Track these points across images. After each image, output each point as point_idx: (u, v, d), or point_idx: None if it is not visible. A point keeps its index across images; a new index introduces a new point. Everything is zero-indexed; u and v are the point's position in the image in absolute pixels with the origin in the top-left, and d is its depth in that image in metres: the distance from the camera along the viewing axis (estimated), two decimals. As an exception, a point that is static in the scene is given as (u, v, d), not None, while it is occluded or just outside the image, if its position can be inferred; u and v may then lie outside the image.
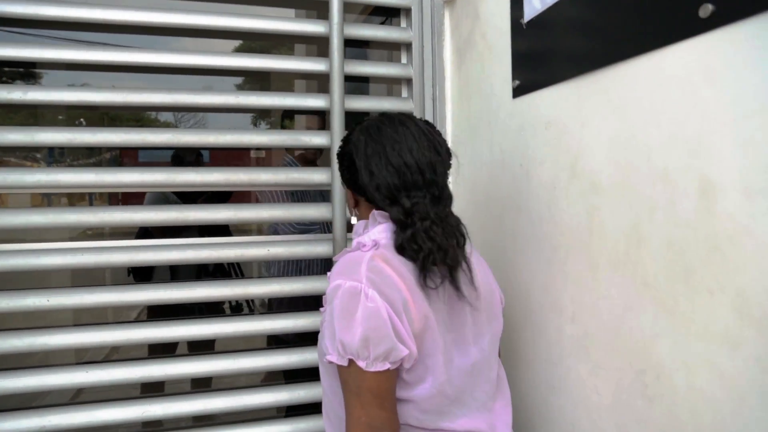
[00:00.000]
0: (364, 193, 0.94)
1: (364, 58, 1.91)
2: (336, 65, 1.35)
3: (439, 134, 0.95)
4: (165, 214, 1.32)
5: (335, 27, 1.35)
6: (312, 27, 1.42)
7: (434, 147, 0.91)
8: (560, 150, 1.04)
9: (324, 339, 0.86)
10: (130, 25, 1.32)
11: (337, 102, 1.36)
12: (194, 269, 2.57)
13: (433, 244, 0.84)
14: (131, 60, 1.30)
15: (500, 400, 0.99)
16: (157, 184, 1.31)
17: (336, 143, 1.34)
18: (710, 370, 0.72)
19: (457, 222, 0.90)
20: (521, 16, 1.15)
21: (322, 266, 2.07)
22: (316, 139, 1.43)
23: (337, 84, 1.36)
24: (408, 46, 1.55)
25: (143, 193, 2.56)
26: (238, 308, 2.84)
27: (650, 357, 0.83)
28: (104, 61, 1.29)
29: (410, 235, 0.85)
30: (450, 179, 1.12)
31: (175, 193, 2.41)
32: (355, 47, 1.76)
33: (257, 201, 2.26)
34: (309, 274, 2.09)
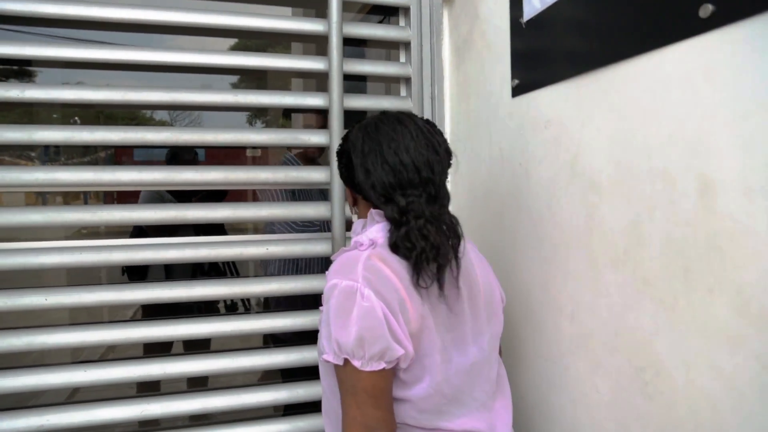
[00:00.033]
0: (360, 191, 0.94)
1: (361, 56, 1.91)
2: (335, 64, 1.35)
3: (440, 134, 0.95)
4: (164, 212, 1.31)
5: (334, 26, 1.35)
6: (311, 25, 1.42)
7: (432, 146, 0.91)
8: (560, 149, 1.05)
9: (321, 338, 0.87)
10: (127, 23, 1.31)
11: (336, 101, 1.36)
12: (189, 268, 2.56)
13: (426, 243, 0.83)
14: (128, 58, 1.30)
15: (500, 400, 0.99)
16: (156, 182, 1.31)
17: (335, 142, 1.34)
18: (709, 368, 0.73)
19: (452, 221, 0.89)
20: (521, 15, 1.15)
21: (321, 265, 2.07)
22: (314, 138, 1.43)
23: (336, 83, 1.36)
24: (407, 45, 1.55)
25: (138, 192, 2.56)
26: (233, 307, 2.84)
27: (650, 354, 0.83)
28: (102, 59, 1.28)
29: (404, 233, 0.85)
30: (449, 178, 1.12)
31: (169, 192, 2.40)
32: (353, 46, 1.76)
33: (254, 200, 2.26)
34: (308, 273, 2.09)
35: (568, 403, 1.05)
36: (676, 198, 0.77)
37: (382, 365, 0.80)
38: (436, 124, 1.50)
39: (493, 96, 1.31)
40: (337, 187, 1.36)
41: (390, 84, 1.83)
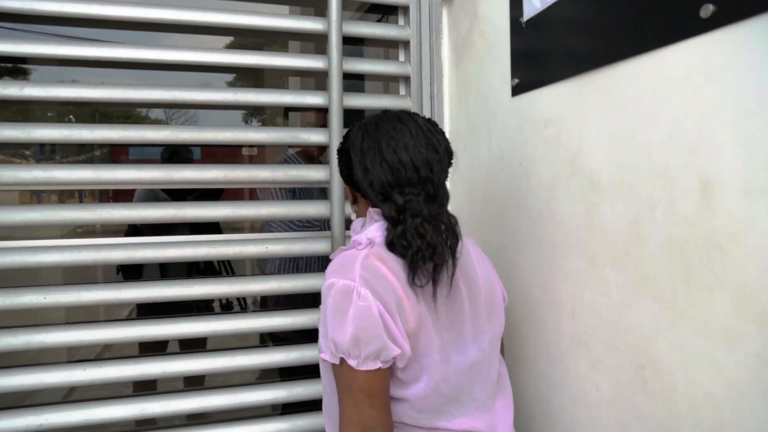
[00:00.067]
0: (360, 190, 0.94)
1: (360, 55, 1.91)
2: (335, 62, 1.35)
3: (441, 132, 0.95)
4: (163, 211, 1.31)
5: (334, 24, 1.35)
6: (310, 24, 1.41)
7: (432, 145, 0.90)
8: (560, 148, 1.05)
9: (320, 337, 0.87)
10: (125, 21, 1.30)
11: (335, 99, 1.36)
12: (185, 267, 2.56)
13: (423, 242, 0.83)
14: (126, 56, 1.29)
15: (501, 399, 0.99)
16: (155, 181, 1.30)
17: (335, 140, 1.34)
18: (710, 366, 0.73)
19: (451, 221, 0.88)
20: (521, 14, 1.16)
21: (320, 264, 2.07)
22: (314, 137, 1.42)
23: (335, 81, 1.36)
24: (406, 44, 1.55)
25: (133, 191, 2.55)
26: (228, 306, 2.83)
27: (650, 353, 0.84)
28: (99, 57, 1.27)
29: (400, 232, 0.84)
30: (448, 178, 1.13)
31: (164, 190, 2.39)
32: (351, 44, 1.76)
33: (251, 198, 2.25)
34: (307, 272, 2.09)
35: (568, 401, 1.05)
36: (677, 197, 0.78)
37: (377, 365, 0.80)
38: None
39: (492, 95, 1.31)
40: (337, 186, 1.36)
41: (389, 83, 1.83)
